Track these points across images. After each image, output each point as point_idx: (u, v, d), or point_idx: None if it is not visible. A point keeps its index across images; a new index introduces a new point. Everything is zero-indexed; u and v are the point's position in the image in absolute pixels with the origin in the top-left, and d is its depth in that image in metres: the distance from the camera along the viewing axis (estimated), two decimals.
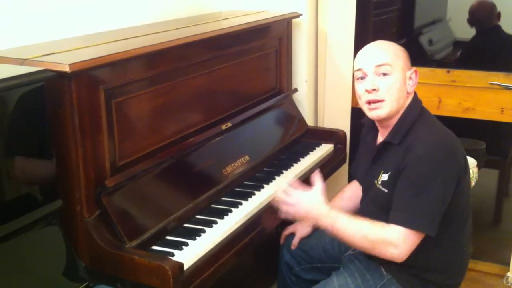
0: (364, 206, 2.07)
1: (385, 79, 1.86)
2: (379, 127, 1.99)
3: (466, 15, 3.53)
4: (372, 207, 1.97)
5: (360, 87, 1.90)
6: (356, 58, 1.95)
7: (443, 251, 1.89)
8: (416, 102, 1.93)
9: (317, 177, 1.94)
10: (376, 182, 1.94)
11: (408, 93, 1.90)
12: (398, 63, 1.87)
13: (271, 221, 2.15)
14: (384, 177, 1.90)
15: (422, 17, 3.68)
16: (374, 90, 1.86)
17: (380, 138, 1.99)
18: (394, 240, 1.77)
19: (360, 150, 2.19)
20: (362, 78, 1.90)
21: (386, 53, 1.88)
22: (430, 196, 1.77)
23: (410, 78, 1.90)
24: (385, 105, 1.87)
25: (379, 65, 1.86)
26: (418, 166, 1.79)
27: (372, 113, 1.90)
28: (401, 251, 1.78)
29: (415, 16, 3.59)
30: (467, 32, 3.64)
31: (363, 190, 2.10)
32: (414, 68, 1.91)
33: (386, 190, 1.89)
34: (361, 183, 2.16)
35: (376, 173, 1.94)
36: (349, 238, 1.84)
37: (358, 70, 1.91)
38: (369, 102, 1.89)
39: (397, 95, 1.87)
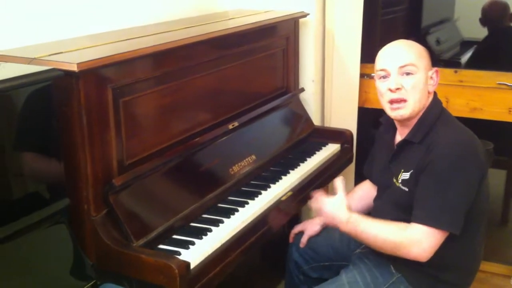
0: (379, 204, 2.07)
1: (408, 79, 1.86)
2: (398, 126, 1.99)
3: (473, 15, 3.51)
4: (389, 206, 1.97)
5: (383, 86, 1.90)
6: (378, 58, 1.94)
7: (457, 250, 1.88)
8: (436, 101, 1.94)
9: (339, 184, 1.98)
10: (395, 180, 1.94)
11: (429, 92, 1.91)
12: (421, 63, 1.88)
13: (278, 220, 2.15)
14: (405, 175, 1.90)
15: (430, 16, 3.66)
16: (398, 89, 1.87)
17: (399, 137, 1.99)
18: (418, 239, 1.78)
19: (375, 149, 2.19)
20: (385, 77, 1.90)
21: (410, 53, 1.88)
22: (454, 194, 1.78)
23: (431, 77, 1.90)
24: (408, 105, 1.87)
25: (403, 66, 1.86)
26: (442, 164, 1.79)
27: (394, 113, 1.90)
28: (425, 249, 1.79)
29: (423, 15, 3.57)
30: (474, 32, 3.63)
31: (379, 189, 2.10)
32: (435, 68, 1.92)
33: (406, 189, 1.89)
34: (375, 182, 2.16)
35: (396, 172, 1.94)
36: (372, 241, 1.87)
37: (382, 70, 1.91)
38: (391, 102, 1.89)
39: (419, 95, 1.87)
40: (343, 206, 1.92)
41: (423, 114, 1.90)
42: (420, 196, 1.82)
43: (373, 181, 2.20)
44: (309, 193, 2.10)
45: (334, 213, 1.93)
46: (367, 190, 2.25)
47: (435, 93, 1.95)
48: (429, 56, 1.93)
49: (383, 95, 1.91)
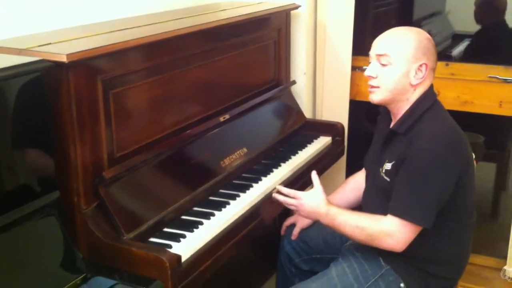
0: (367, 193, 2.08)
1: (383, 69, 1.88)
2: (392, 116, 2.00)
3: (465, 8, 3.51)
4: (375, 195, 1.99)
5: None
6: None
7: (445, 244, 1.90)
8: (429, 94, 1.91)
9: (315, 178, 2.00)
10: (380, 170, 1.94)
11: (412, 85, 1.88)
12: (401, 55, 1.86)
13: (269, 213, 2.14)
14: (388, 166, 1.91)
15: (421, 9, 3.66)
16: (370, 76, 1.91)
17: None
18: (391, 231, 1.81)
19: (374, 138, 2.19)
20: (370, 63, 1.93)
21: (390, 44, 1.88)
22: (429, 190, 1.79)
23: (419, 70, 1.87)
24: (379, 92, 1.91)
25: (379, 55, 1.89)
26: (420, 159, 1.79)
27: (369, 96, 1.95)
28: (398, 241, 1.81)
29: (414, 8, 3.57)
30: (466, 25, 3.63)
31: (367, 177, 2.11)
32: (423, 62, 1.86)
33: (388, 179, 1.90)
34: (367, 169, 2.16)
35: (382, 162, 1.95)
36: (349, 233, 1.89)
37: (369, 55, 1.95)
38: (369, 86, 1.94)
39: (393, 85, 1.88)
40: (322, 199, 1.93)
41: (412, 105, 1.90)
42: (397, 188, 1.84)
43: (366, 168, 2.20)
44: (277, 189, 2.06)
45: (313, 207, 1.94)
46: (359, 181, 2.25)
47: (431, 85, 1.93)
48: (423, 48, 1.87)
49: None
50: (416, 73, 1.87)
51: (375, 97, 1.93)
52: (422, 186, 1.79)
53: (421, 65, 1.86)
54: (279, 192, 2.03)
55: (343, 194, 2.25)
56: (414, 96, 1.90)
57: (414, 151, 1.81)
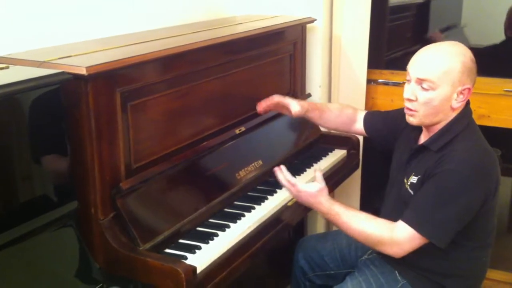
0: (389, 202, 2.06)
1: (424, 93, 1.80)
2: (423, 128, 1.95)
3: (481, 22, 3.50)
4: (396, 204, 1.97)
5: (404, 91, 1.87)
6: (411, 59, 1.88)
7: (463, 260, 1.88)
8: (465, 114, 1.86)
9: (318, 175, 1.99)
10: (405, 181, 1.93)
11: (453, 108, 1.82)
12: (446, 79, 1.77)
13: (284, 226, 2.14)
14: (414, 179, 1.89)
15: (437, 23, 3.66)
16: (410, 100, 1.84)
17: (422, 139, 1.95)
18: (401, 238, 1.79)
19: (400, 128, 2.10)
20: (409, 81, 1.86)
21: (435, 67, 1.78)
22: (449, 210, 1.77)
23: (461, 93, 1.80)
24: (417, 116, 1.85)
25: (421, 79, 1.79)
26: (447, 179, 1.77)
27: (407, 118, 1.90)
28: (404, 250, 1.81)
29: (430, 21, 3.57)
30: (481, 39, 3.62)
31: (390, 184, 2.08)
32: (466, 86, 1.79)
33: (412, 193, 1.88)
34: (391, 176, 2.11)
35: (408, 173, 1.93)
36: (352, 233, 1.88)
37: (408, 73, 1.86)
38: (406, 107, 1.88)
39: (432, 110, 1.81)
40: (322, 197, 1.91)
41: (448, 124, 1.84)
42: (418, 199, 1.82)
43: (390, 174, 2.14)
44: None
45: (312, 204, 1.94)
46: (347, 114, 2.31)
47: (468, 102, 1.86)
48: (468, 71, 1.78)
49: (404, 98, 1.88)
50: (458, 96, 1.80)
51: (413, 120, 1.86)
52: (443, 205, 1.76)
53: (464, 89, 1.79)
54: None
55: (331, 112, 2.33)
56: (451, 115, 1.84)
57: (443, 170, 1.77)
